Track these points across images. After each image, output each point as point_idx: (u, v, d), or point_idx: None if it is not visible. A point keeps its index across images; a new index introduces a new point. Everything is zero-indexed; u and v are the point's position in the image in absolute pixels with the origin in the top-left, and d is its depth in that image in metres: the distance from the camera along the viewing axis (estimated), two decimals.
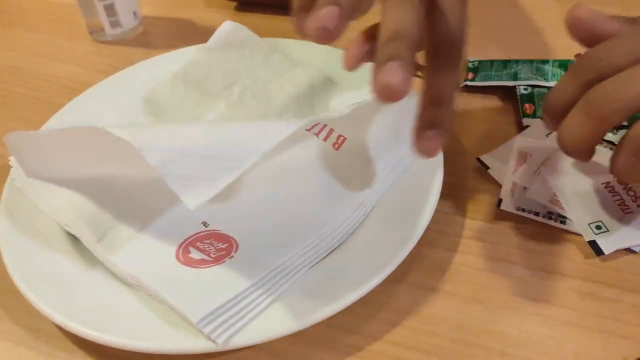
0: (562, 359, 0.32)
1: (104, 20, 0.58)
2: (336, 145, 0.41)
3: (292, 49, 0.52)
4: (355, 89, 0.47)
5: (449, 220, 0.39)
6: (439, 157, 0.39)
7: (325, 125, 0.41)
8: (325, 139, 0.41)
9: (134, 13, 0.60)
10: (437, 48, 0.29)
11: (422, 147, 0.30)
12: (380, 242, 0.35)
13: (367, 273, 0.33)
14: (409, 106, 0.41)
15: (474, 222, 0.39)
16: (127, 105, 0.47)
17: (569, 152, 0.31)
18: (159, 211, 0.38)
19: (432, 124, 0.30)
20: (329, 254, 0.35)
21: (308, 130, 0.41)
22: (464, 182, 0.42)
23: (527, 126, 0.45)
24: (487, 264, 0.37)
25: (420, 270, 0.37)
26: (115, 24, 0.59)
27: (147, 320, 0.32)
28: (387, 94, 0.25)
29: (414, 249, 0.35)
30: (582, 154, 0.31)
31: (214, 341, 0.30)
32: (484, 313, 0.34)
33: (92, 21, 0.59)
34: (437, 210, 0.37)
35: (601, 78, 0.29)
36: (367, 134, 0.41)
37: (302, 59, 0.50)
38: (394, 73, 0.25)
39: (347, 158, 0.40)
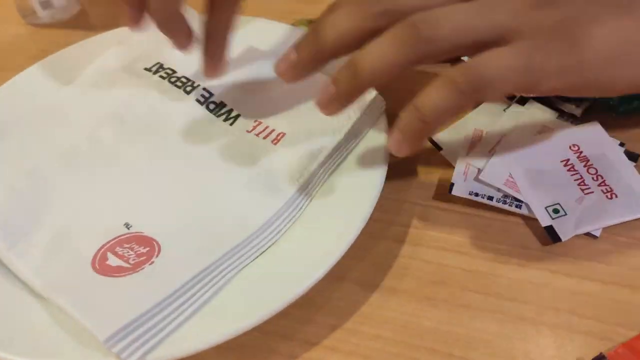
0: (516, 358, 0.29)
1: (33, 0, 0.53)
2: (275, 141, 0.38)
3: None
4: None
5: (396, 209, 0.36)
6: (383, 141, 0.36)
7: (267, 127, 0.39)
8: (265, 137, 0.38)
9: None
10: None
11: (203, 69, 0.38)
12: (317, 237, 0.32)
13: (303, 272, 0.30)
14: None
15: (424, 209, 0.36)
16: (57, 93, 0.43)
17: (367, 79, 0.29)
18: (78, 213, 0.34)
19: (205, 52, 0.37)
20: (260, 253, 0.32)
21: (249, 131, 0.39)
22: (414, 165, 0.39)
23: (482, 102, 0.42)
24: (436, 256, 0.34)
25: (364, 266, 0.34)
26: (46, 4, 0.54)
27: (55, 337, 0.29)
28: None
29: (356, 242, 0.32)
30: (379, 82, 0.29)
31: None
32: (431, 311, 0.31)
33: (21, 3, 0.55)
34: (383, 198, 0.34)
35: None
36: (305, 127, 0.38)
37: (255, 37, 0.46)
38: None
39: (284, 151, 0.37)
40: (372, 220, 0.33)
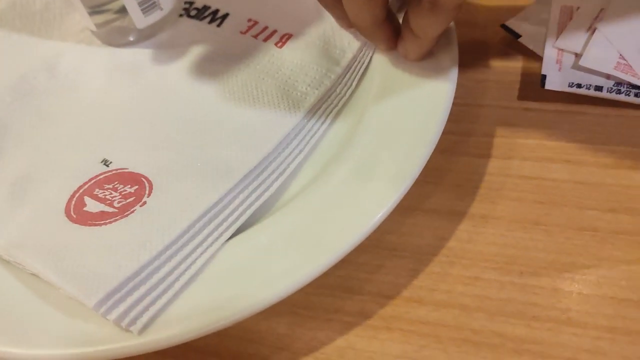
0: None
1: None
2: (279, 44, 0.30)
3: None
4: None
5: (473, 116, 0.28)
6: (452, 35, 0.28)
7: (266, 27, 0.31)
8: (265, 40, 0.30)
9: None
10: None
11: None
12: (377, 161, 0.24)
13: (363, 207, 0.22)
14: None
15: (509, 112, 0.28)
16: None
17: None
18: (40, 154, 0.27)
19: None
20: (289, 179, 0.25)
21: (243, 32, 0.31)
22: (487, 60, 0.30)
23: None
24: (537, 169, 0.26)
25: (443, 191, 0.26)
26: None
27: (30, 312, 0.21)
28: None
29: (430, 162, 0.24)
30: None
31: (127, 330, 0.20)
32: (543, 240, 0.23)
33: None
34: (457, 104, 0.26)
35: None
36: (316, 27, 0.30)
37: None
38: None
39: (293, 54, 0.29)
40: (446, 133, 0.25)
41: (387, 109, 0.26)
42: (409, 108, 0.25)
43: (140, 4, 0.30)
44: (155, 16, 0.31)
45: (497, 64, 0.30)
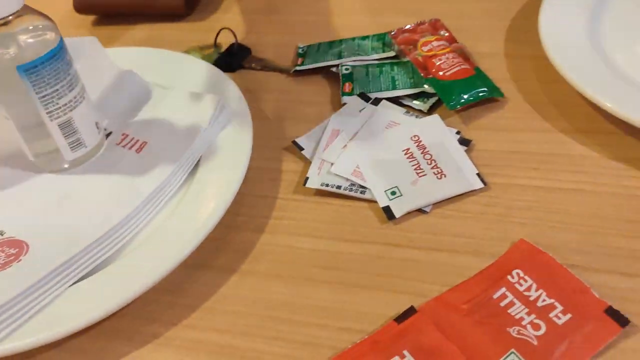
0: (345, 319, 0.33)
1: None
2: (138, 150, 0.43)
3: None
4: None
5: (259, 204, 0.41)
6: (247, 141, 0.41)
7: (132, 138, 0.44)
8: (130, 148, 0.43)
9: None
10: None
11: None
12: (177, 230, 0.37)
13: (162, 260, 0.35)
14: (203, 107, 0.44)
15: (283, 202, 0.41)
16: None
17: None
18: None
19: None
20: (122, 245, 0.37)
21: (118, 144, 0.44)
22: (279, 165, 0.44)
23: (345, 104, 0.47)
24: (289, 240, 0.38)
25: (226, 254, 0.38)
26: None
27: None
28: None
29: (220, 234, 0.37)
30: None
31: None
32: (279, 286, 0.36)
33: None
34: (248, 195, 0.39)
35: None
36: (165, 135, 0.43)
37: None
38: None
39: (145, 157, 0.42)
40: (236, 214, 0.38)
41: (192, 194, 0.39)
42: (204, 196, 0.38)
43: (69, 144, 0.41)
44: (81, 152, 0.42)
45: (284, 167, 0.43)
